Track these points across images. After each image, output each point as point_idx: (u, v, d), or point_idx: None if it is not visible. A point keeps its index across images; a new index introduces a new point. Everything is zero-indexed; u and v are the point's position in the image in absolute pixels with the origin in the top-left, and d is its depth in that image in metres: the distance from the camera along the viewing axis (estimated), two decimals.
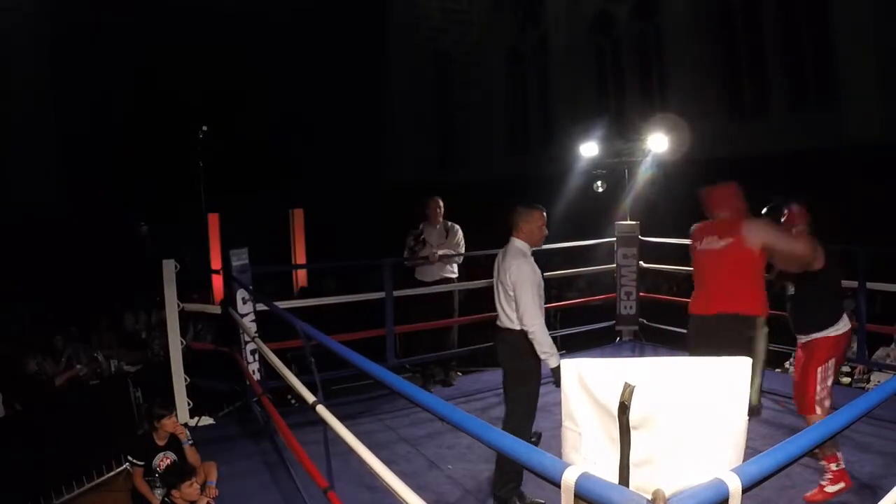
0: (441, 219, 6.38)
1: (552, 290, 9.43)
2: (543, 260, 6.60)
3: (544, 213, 3.93)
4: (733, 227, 3.75)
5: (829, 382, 3.64)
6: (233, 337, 5.42)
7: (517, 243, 3.86)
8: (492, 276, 3.96)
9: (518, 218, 3.86)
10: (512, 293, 3.74)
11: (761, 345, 3.73)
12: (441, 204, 6.39)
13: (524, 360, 3.73)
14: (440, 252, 6.19)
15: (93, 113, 14.28)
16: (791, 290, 3.79)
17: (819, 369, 3.62)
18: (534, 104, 20.29)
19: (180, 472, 3.80)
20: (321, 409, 2.85)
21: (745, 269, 3.72)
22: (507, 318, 3.80)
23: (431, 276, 6.33)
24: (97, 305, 10.83)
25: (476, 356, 8.42)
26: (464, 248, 6.43)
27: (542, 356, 3.69)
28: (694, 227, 4.05)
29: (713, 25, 14.73)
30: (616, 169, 6.89)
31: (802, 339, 3.77)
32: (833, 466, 3.51)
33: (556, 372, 3.59)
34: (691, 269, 4.09)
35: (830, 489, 3.51)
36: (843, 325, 3.70)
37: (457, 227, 6.43)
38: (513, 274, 3.74)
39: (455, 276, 6.42)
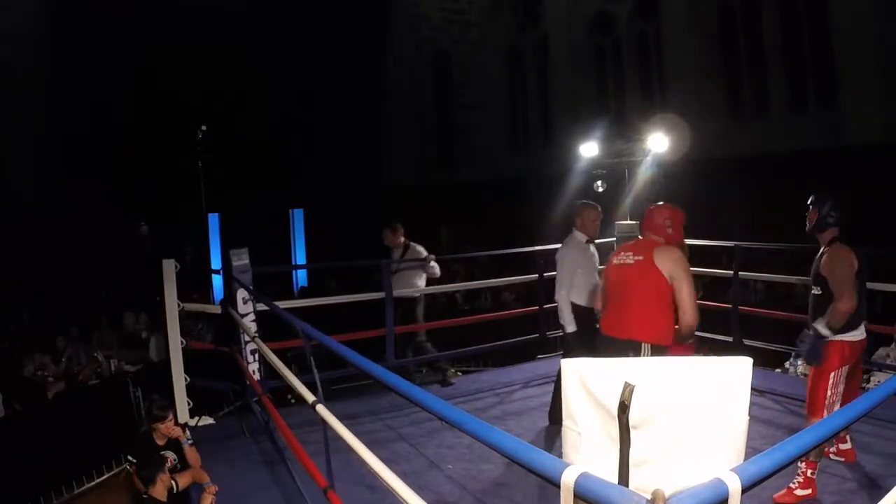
0: (400, 241, 6.46)
1: (552, 290, 9.41)
2: (543, 260, 6.65)
3: (598, 210, 4.94)
4: (648, 250, 3.52)
5: (840, 389, 3.54)
6: (233, 337, 5.42)
7: (575, 234, 4.91)
8: (491, 277, 4.29)
9: (575, 214, 4.89)
10: None
11: None
12: (391, 230, 6.43)
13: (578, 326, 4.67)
14: (431, 258, 6.31)
15: (93, 113, 14.26)
16: (817, 290, 3.62)
17: (833, 374, 3.54)
18: (534, 104, 20.27)
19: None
20: (321, 409, 2.85)
21: (648, 294, 3.47)
22: None
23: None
24: (97, 305, 10.84)
25: (476, 356, 8.43)
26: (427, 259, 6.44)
27: (561, 322, 4.67)
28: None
29: (713, 25, 14.73)
30: (616, 169, 6.89)
31: None
32: (809, 472, 3.49)
33: (567, 337, 4.65)
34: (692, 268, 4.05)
35: (799, 492, 3.50)
36: (859, 334, 3.58)
37: (414, 246, 6.47)
38: (558, 255, 4.87)
39: (413, 290, 6.38)
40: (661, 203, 3.84)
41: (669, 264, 3.46)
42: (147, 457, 4.07)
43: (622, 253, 3.67)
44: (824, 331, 3.50)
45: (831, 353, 3.56)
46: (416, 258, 6.37)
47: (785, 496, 3.52)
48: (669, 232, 3.65)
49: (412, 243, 6.52)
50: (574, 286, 4.72)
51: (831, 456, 3.90)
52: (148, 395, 5.83)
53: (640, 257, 3.52)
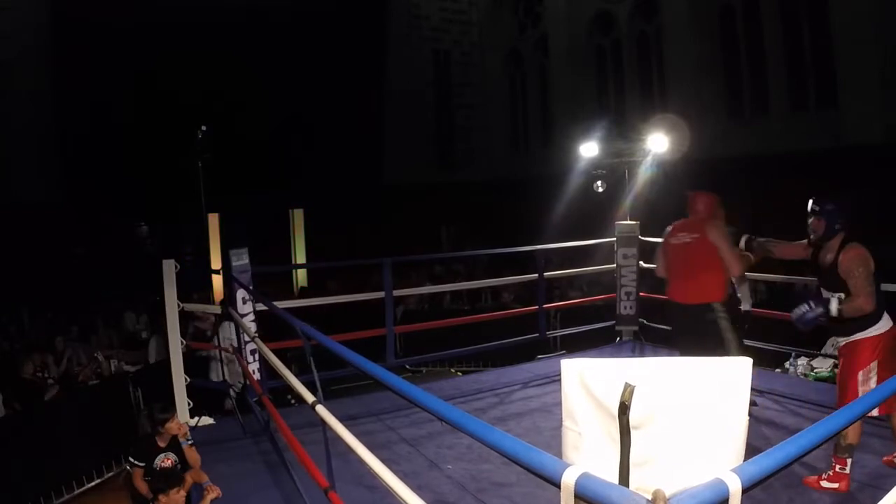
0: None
1: (554, 289, 9.44)
2: (544, 260, 6.65)
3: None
4: (700, 226, 4.44)
5: (872, 384, 3.51)
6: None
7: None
8: (491, 277, 4.35)
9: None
10: None
11: (725, 326, 4.42)
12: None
13: None
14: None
15: (93, 113, 14.26)
16: (840, 296, 3.54)
17: (860, 372, 3.53)
18: (534, 104, 20.28)
19: (169, 478, 3.76)
20: (321, 409, 2.85)
21: (707, 261, 4.39)
22: None
23: None
24: (97, 305, 10.84)
25: (476, 356, 8.43)
26: None
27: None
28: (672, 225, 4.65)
29: (713, 25, 14.73)
30: (616, 169, 6.89)
31: (842, 340, 3.69)
32: (838, 468, 3.52)
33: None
34: None
35: (825, 485, 3.54)
36: (885, 325, 3.57)
37: None
38: None
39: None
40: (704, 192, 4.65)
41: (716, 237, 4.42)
42: (151, 460, 4.08)
43: (678, 234, 4.53)
44: (834, 310, 3.52)
45: (860, 350, 3.57)
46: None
47: (813, 482, 3.57)
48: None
49: None
50: None
51: None
52: (147, 402, 5.80)
53: (697, 235, 4.33)
